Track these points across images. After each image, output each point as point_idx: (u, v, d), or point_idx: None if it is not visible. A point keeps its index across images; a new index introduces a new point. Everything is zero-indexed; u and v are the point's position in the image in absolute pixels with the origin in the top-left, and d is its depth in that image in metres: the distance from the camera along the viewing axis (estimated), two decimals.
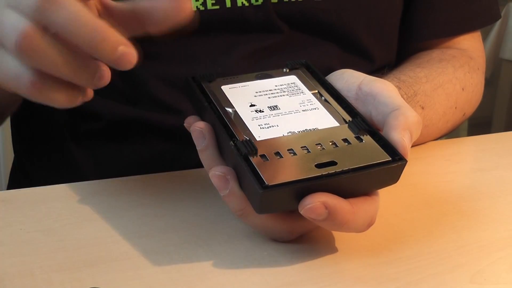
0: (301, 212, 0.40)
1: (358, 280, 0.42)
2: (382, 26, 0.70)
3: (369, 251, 0.45)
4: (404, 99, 0.61)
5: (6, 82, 0.41)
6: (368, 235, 0.46)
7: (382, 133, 0.44)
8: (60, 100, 0.42)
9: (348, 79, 0.49)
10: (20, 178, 0.74)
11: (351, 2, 0.66)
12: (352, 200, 0.42)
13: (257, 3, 0.62)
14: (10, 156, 1.21)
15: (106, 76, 0.42)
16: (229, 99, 0.47)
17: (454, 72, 0.69)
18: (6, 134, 1.28)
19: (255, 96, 0.48)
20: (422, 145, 0.67)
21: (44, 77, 0.40)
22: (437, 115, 0.66)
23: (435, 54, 0.72)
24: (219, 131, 0.44)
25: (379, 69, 0.70)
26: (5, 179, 1.29)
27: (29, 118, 0.71)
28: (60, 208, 0.50)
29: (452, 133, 0.73)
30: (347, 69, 0.51)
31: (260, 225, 0.45)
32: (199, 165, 0.58)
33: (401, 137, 0.43)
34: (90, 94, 0.44)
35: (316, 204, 0.40)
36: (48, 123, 0.68)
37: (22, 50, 0.38)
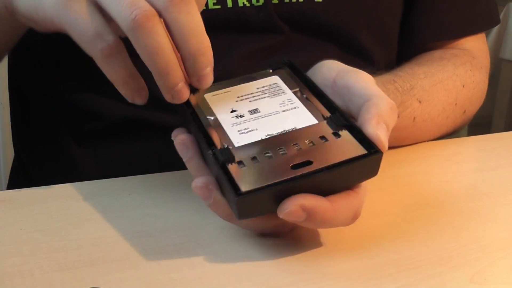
0: (280, 217, 0.41)
1: (358, 280, 0.42)
2: (382, 27, 0.70)
3: (369, 251, 0.45)
4: (399, 92, 0.62)
5: (79, 34, 0.43)
6: (368, 235, 0.46)
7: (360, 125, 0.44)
8: (118, 77, 0.45)
9: (325, 73, 0.49)
10: (20, 177, 0.74)
11: (351, 3, 0.66)
12: (331, 197, 0.42)
13: (258, 4, 0.62)
14: (10, 156, 1.21)
15: (185, 94, 0.44)
16: (211, 107, 0.47)
17: (454, 70, 0.69)
18: (6, 134, 1.28)
19: (237, 101, 0.48)
20: (422, 145, 0.67)
21: (121, 47, 0.44)
22: (436, 111, 0.66)
23: (436, 53, 0.73)
24: (200, 141, 0.44)
25: (379, 70, 0.70)
26: (5, 179, 1.29)
27: (30, 118, 0.71)
28: (60, 208, 0.50)
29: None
30: (326, 61, 0.50)
31: (250, 226, 0.45)
32: None
33: (374, 130, 0.43)
34: (141, 97, 0.46)
35: (293, 208, 0.40)
36: (49, 123, 0.68)
37: (137, 26, 0.42)
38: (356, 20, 0.67)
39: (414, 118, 0.63)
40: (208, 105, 0.47)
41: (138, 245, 0.45)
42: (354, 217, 0.43)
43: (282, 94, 0.48)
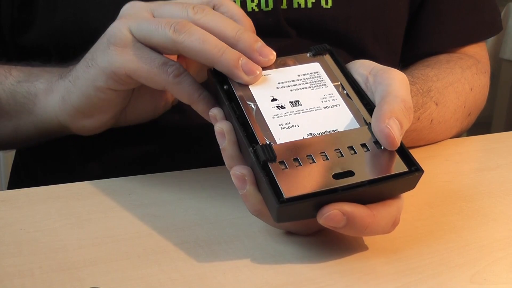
0: (320, 222, 0.41)
1: (358, 280, 0.42)
2: (388, 35, 0.71)
3: (369, 251, 0.45)
4: (420, 93, 0.62)
5: (148, 70, 0.49)
6: None
7: (371, 125, 0.44)
8: (194, 92, 0.49)
9: (358, 70, 0.49)
10: (21, 176, 0.74)
11: (359, 10, 0.67)
12: (371, 205, 0.42)
13: (267, 9, 0.63)
14: (11, 155, 1.21)
15: (255, 67, 0.47)
16: (251, 91, 0.46)
17: (462, 73, 0.70)
18: None
19: (277, 88, 0.47)
20: (422, 145, 0.67)
21: (184, 71, 0.49)
22: (449, 113, 0.67)
23: (442, 57, 0.74)
24: (238, 132, 0.44)
25: None
26: (5, 179, 1.29)
27: None
28: (60, 208, 0.50)
29: None
30: (359, 60, 0.50)
31: (276, 224, 0.45)
32: (202, 165, 0.59)
33: (385, 125, 0.42)
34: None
35: (333, 212, 0.40)
36: None
37: (178, 33, 0.47)
38: (363, 28, 0.67)
39: (432, 120, 0.64)
40: (248, 88, 0.46)
41: (138, 245, 0.45)
42: (394, 225, 0.44)
43: (324, 86, 0.47)
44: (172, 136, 0.63)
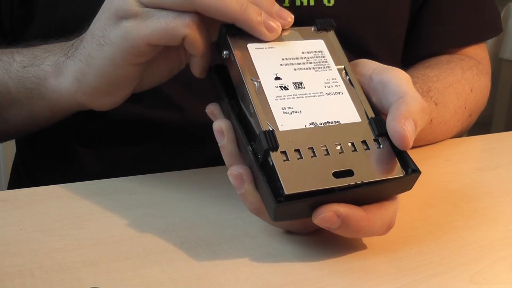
0: (315, 222, 0.41)
1: (358, 280, 0.42)
2: (389, 35, 0.71)
3: (369, 251, 0.45)
4: (419, 93, 0.62)
5: (164, 27, 0.46)
6: None
7: (386, 123, 0.43)
8: (207, 42, 0.47)
9: (360, 69, 0.48)
10: (21, 176, 0.75)
11: (361, 9, 0.67)
12: (366, 207, 0.42)
13: None
14: (10, 156, 1.21)
15: (275, 23, 0.46)
16: (255, 65, 0.45)
17: (462, 74, 0.70)
18: None
19: (281, 64, 0.46)
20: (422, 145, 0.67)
21: (200, 19, 0.46)
22: (449, 113, 0.67)
23: (443, 57, 0.74)
24: (237, 130, 0.44)
25: None
26: (5, 179, 1.29)
27: None
28: (60, 208, 0.50)
29: None
30: (361, 60, 0.50)
31: (275, 223, 0.46)
32: (202, 164, 0.59)
33: (401, 126, 0.42)
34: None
35: (328, 213, 0.40)
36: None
37: None
38: (365, 27, 0.68)
39: (431, 120, 0.64)
40: (251, 60, 0.45)
41: (138, 245, 0.45)
42: (389, 227, 0.44)
43: (327, 69, 0.47)
44: (172, 135, 0.63)
